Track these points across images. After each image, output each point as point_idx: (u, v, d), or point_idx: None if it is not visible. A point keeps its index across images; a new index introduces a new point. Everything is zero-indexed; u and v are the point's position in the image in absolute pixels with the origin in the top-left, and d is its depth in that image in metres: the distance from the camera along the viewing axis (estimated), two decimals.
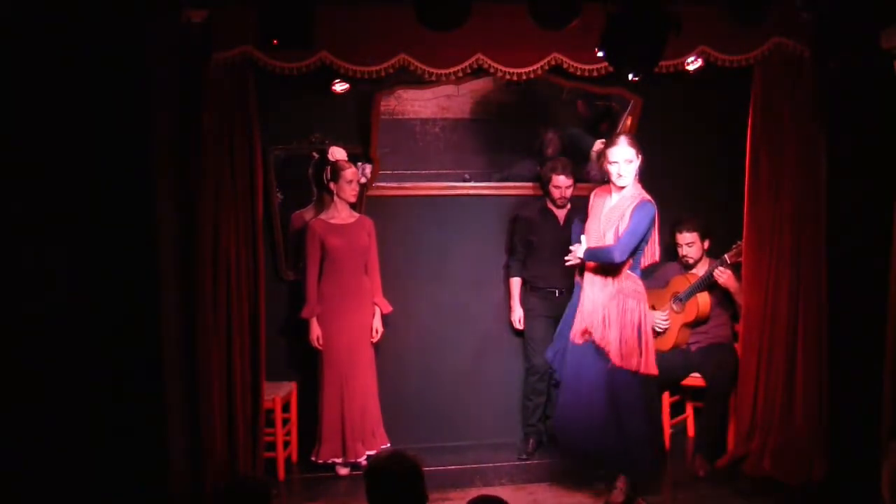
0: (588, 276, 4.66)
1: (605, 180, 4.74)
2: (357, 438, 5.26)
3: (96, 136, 4.31)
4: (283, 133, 5.47)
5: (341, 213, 5.27)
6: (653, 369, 4.63)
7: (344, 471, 5.30)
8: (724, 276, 5.30)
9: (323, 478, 5.27)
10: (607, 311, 4.56)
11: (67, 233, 4.31)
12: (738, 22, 4.62)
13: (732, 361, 5.33)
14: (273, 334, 5.30)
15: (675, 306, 5.44)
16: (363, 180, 5.42)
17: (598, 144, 5.05)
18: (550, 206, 5.57)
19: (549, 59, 4.72)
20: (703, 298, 5.39)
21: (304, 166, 5.59)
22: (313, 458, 5.29)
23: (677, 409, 5.73)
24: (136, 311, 4.42)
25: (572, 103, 6.23)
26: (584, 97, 6.09)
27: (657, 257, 4.84)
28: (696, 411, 5.67)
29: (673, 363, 5.42)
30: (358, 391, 5.27)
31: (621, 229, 4.53)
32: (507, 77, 4.79)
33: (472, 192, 5.85)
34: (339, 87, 5.16)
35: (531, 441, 5.61)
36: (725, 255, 5.29)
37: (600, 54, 4.43)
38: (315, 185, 5.57)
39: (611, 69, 4.56)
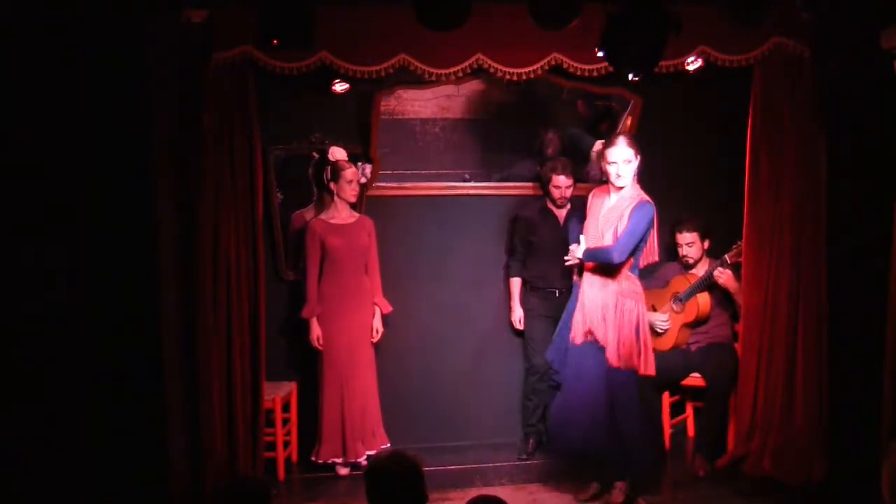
0: (587, 276, 4.66)
1: (604, 180, 4.74)
2: (357, 438, 5.26)
3: (96, 136, 4.31)
4: (283, 133, 5.47)
5: (341, 213, 5.27)
6: (651, 370, 4.63)
7: (344, 471, 5.30)
8: (723, 276, 5.30)
9: (323, 478, 5.27)
10: (606, 312, 4.57)
11: (67, 233, 4.31)
12: (738, 22, 4.63)
13: (732, 361, 5.33)
14: (273, 334, 5.30)
15: (675, 306, 5.44)
16: (363, 180, 5.42)
17: (598, 144, 5.05)
18: (550, 206, 5.57)
19: (549, 59, 4.73)
20: (704, 298, 5.39)
21: (304, 166, 5.59)
22: (313, 458, 5.29)
23: (677, 409, 5.73)
24: (136, 311, 4.42)
25: (572, 103, 6.23)
26: (584, 97, 6.09)
27: (657, 257, 4.84)
28: (696, 411, 5.67)
29: (673, 363, 5.42)
30: (358, 391, 5.27)
31: (620, 230, 4.53)
32: (507, 77, 4.79)
33: (472, 192, 5.86)
34: (339, 87, 5.16)
35: (531, 441, 5.61)
36: (725, 256, 5.29)
37: (600, 54, 4.43)
38: (315, 185, 5.57)
39: (611, 69, 4.56)
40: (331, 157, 5.27)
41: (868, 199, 4.87)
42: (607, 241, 4.56)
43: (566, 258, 4.75)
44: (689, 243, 5.44)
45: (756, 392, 5.13)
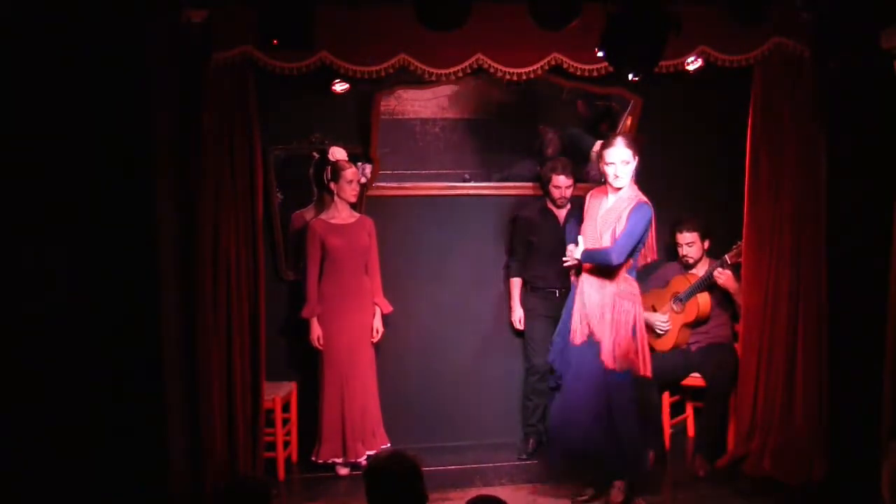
0: (585, 277, 4.65)
1: (603, 181, 4.74)
2: (357, 438, 5.26)
3: (96, 136, 4.31)
4: (283, 133, 5.47)
5: (342, 213, 5.27)
6: (648, 371, 4.64)
7: (344, 471, 5.30)
8: (723, 276, 5.30)
9: (323, 478, 5.27)
10: (603, 313, 4.57)
11: (67, 233, 4.31)
12: (738, 22, 4.63)
13: (732, 361, 5.33)
14: (273, 334, 5.30)
15: (675, 306, 5.44)
16: (363, 180, 5.42)
17: (598, 145, 5.04)
18: (550, 206, 5.57)
19: (549, 59, 4.72)
20: (704, 298, 5.39)
21: (304, 166, 5.59)
22: (313, 458, 5.29)
23: (677, 409, 5.73)
24: (136, 311, 4.42)
25: (572, 103, 6.22)
26: (584, 97, 6.09)
27: (655, 256, 4.83)
28: (696, 411, 5.67)
29: (673, 363, 5.42)
30: (358, 391, 5.27)
31: (618, 231, 4.53)
32: (507, 77, 4.78)
33: (472, 192, 5.86)
34: (339, 87, 5.16)
35: (531, 441, 5.62)
36: (726, 256, 5.29)
37: (600, 54, 4.44)
38: (315, 185, 5.57)
39: (611, 69, 4.56)
40: (331, 157, 5.27)
41: (868, 199, 4.87)
42: (605, 242, 4.56)
43: (564, 259, 4.74)
44: (690, 243, 5.44)
45: (756, 392, 5.13)
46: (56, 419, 4.23)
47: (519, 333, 5.75)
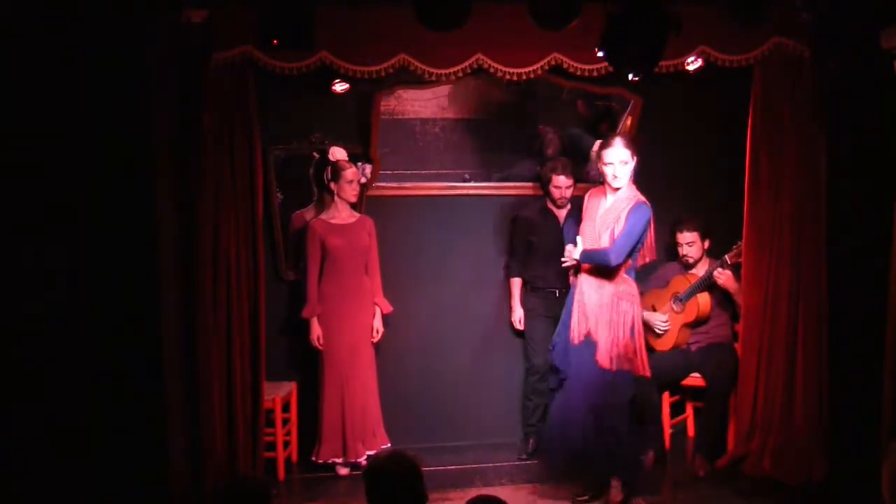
0: (584, 277, 4.65)
1: (601, 181, 4.74)
2: (357, 438, 5.26)
3: (96, 136, 4.31)
4: (283, 133, 5.47)
5: (342, 213, 5.27)
6: (646, 371, 4.64)
7: (344, 471, 5.30)
8: (723, 276, 5.31)
9: (323, 478, 5.27)
10: (601, 313, 4.57)
11: (67, 233, 4.31)
12: (738, 22, 4.63)
13: (732, 361, 5.33)
14: (273, 334, 5.30)
15: (675, 306, 5.44)
16: (363, 180, 5.42)
17: (598, 144, 5.04)
18: (550, 206, 5.57)
19: (549, 59, 4.72)
20: (704, 298, 5.39)
21: (304, 166, 5.59)
22: (313, 458, 5.29)
23: (677, 409, 5.73)
24: (136, 311, 4.42)
25: (572, 103, 6.23)
26: (584, 97, 6.09)
27: (654, 256, 4.83)
28: (696, 411, 5.67)
29: (673, 363, 5.42)
30: (358, 391, 5.27)
31: (617, 231, 4.53)
32: (507, 77, 4.78)
33: (472, 192, 5.85)
34: (339, 87, 5.16)
35: (531, 441, 5.61)
36: (726, 256, 5.29)
37: (600, 54, 4.43)
38: (316, 184, 5.57)
39: (611, 69, 4.56)
40: (331, 157, 5.27)
41: (868, 199, 4.87)
42: (604, 242, 4.56)
43: (563, 259, 4.75)
44: (690, 243, 5.44)
45: (756, 392, 5.13)
46: (56, 419, 4.22)
47: (519, 333, 5.75)
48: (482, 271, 5.80)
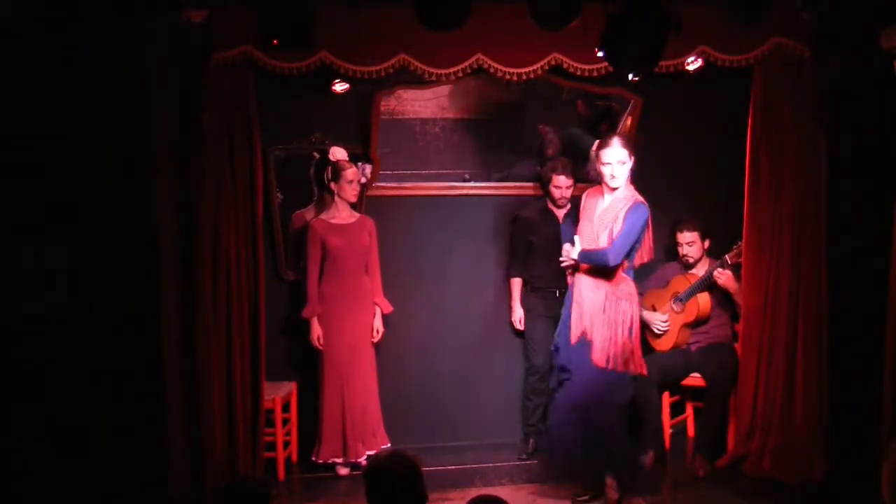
0: (582, 277, 4.65)
1: (599, 181, 4.74)
2: (357, 438, 5.26)
3: (96, 136, 4.31)
4: (283, 133, 5.47)
5: (342, 213, 5.27)
6: (642, 369, 4.65)
7: (344, 471, 5.30)
8: (723, 276, 5.31)
9: (323, 478, 5.27)
10: (599, 312, 4.56)
11: (67, 233, 4.30)
12: (738, 22, 4.63)
13: (732, 361, 5.33)
14: (273, 334, 5.30)
15: (675, 306, 5.44)
16: (363, 180, 5.42)
17: (596, 144, 5.04)
18: (551, 206, 5.57)
19: (549, 59, 4.73)
20: (704, 298, 5.40)
21: (304, 166, 5.59)
22: (313, 458, 5.29)
23: (677, 409, 5.73)
24: (136, 311, 4.42)
25: (572, 103, 6.23)
26: (584, 97, 6.09)
27: (652, 255, 4.82)
28: (696, 411, 5.67)
29: (673, 363, 5.43)
30: (358, 391, 5.27)
31: (615, 231, 4.53)
32: (507, 77, 4.78)
33: (472, 192, 5.85)
34: (339, 87, 5.16)
35: (531, 441, 5.61)
36: (726, 256, 5.29)
37: (600, 54, 4.43)
38: (316, 184, 5.57)
39: (611, 69, 4.56)
40: (332, 157, 5.27)
41: (868, 199, 4.87)
42: (602, 242, 4.56)
43: (561, 259, 4.75)
44: (690, 242, 5.44)
45: (756, 392, 5.13)
46: (56, 419, 4.22)
47: (519, 333, 5.75)
48: (482, 271, 5.80)
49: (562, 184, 5.46)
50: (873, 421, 4.68)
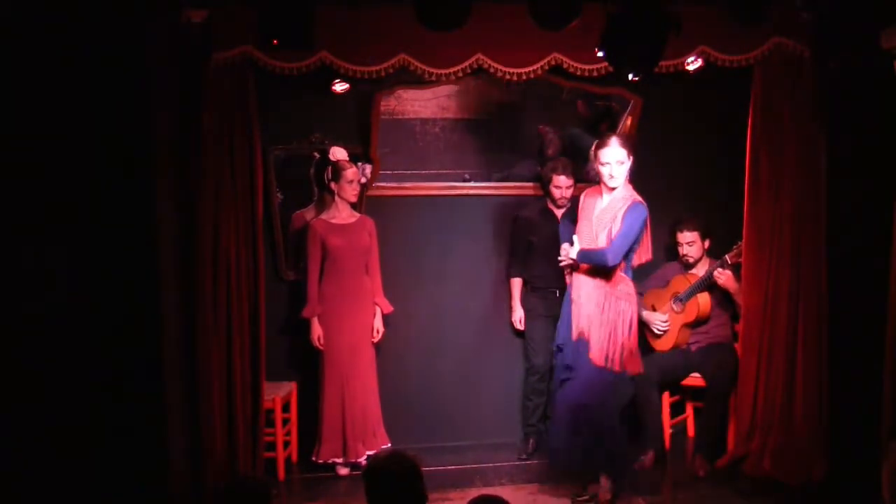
0: (581, 276, 4.65)
1: (597, 181, 4.73)
2: (358, 438, 5.26)
3: (96, 136, 4.31)
4: (283, 133, 5.47)
5: (342, 213, 5.27)
6: (639, 367, 4.65)
7: (344, 471, 5.30)
8: (723, 276, 5.31)
9: (323, 478, 5.26)
10: (598, 313, 4.56)
11: (67, 233, 4.30)
12: (738, 22, 4.63)
13: (732, 361, 5.33)
14: (273, 334, 5.30)
15: (675, 306, 5.44)
16: (364, 180, 5.42)
17: (595, 144, 5.05)
18: (551, 206, 5.56)
19: (549, 59, 4.72)
20: (704, 298, 5.39)
21: (304, 166, 5.58)
22: (313, 458, 5.29)
23: (677, 409, 5.73)
24: (136, 311, 4.42)
25: (572, 103, 6.23)
26: (584, 97, 6.09)
27: (650, 255, 4.83)
28: (696, 411, 5.67)
29: (673, 363, 5.43)
30: (359, 391, 5.27)
31: (614, 231, 4.53)
32: (507, 77, 4.78)
33: (472, 192, 5.85)
34: (339, 87, 5.16)
35: (531, 441, 5.61)
36: (726, 256, 5.29)
37: (600, 54, 4.43)
38: (316, 184, 5.57)
39: (611, 69, 4.56)
40: (332, 157, 5.27)
41: (868, 199, 4.87)
42: (601, 242, 4.56)
43: (560, 258, 4.75)
44: (690, 242, 5.44)
45: (756, 392, 5.12)
46: (56, 419, 4.22)
47: (519, 333, 5.75)
48: (482, 271, 5.80)
49: (562, 184, 5.46)
50: (873, 421, 4.68)
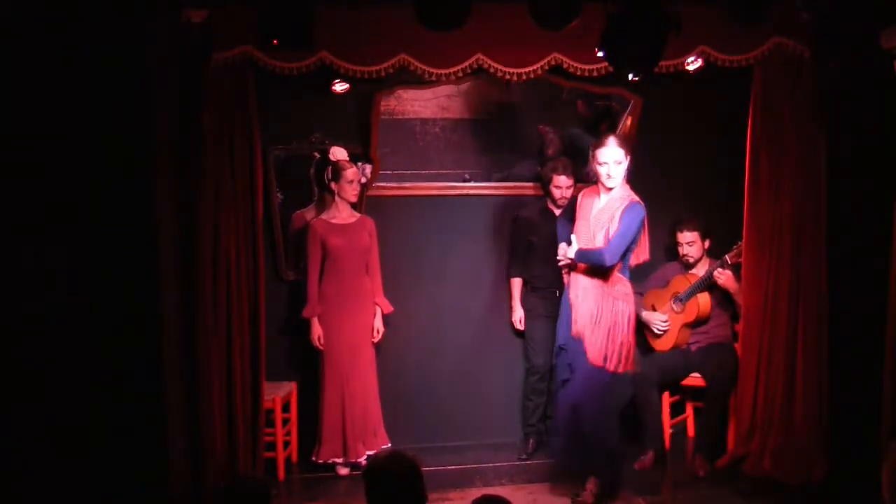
0: (578, 276, 4.65)
1: (594, 181, 4.73)
2: (358, 438, 5.26)
3: (96, 136, 4.31)
4: (283, 133, 5.47)
5: (342, 213, 5.27)
6: (631, 366, 4.66)
7: (344, 471, 5.30)
8: (723, 276, 5.31)
9: (323, 478, 5.26)
10: (596, 313, 4.57)
11: (67, 233, 4.31)
12: (738, 22, 4.63)
13: (732, 361, 5.33)
14: (273, 334, 5.30)
15: (675, 306, 5.44)
16: (364, 180, 5.42)
17: (593, 144, 5.05)
18: (551, 206, 5.56)
19: (549, 59, 4.73)
20: (704, 298, 5.40)
21: (304, 166, 5.58)
22: (314, 458, 5.29)
23: (677, 409, 5.73)
24: (136, 311, 4.42)
25: (572, 103, 6.24)
26: (584, 97, 6.09)
27: (647, 256, 4.83)
28: (696, 411, 5.67)
29: (673, 363, 5.43)
30: (359, 391, 5.27)
31: (611, 231, 4.53)
32: (507, 77, 4.78)
33: (472, 192, 5.85)
34: (339, 87, 5.16)
35: (531, 441, 5.61)
36: (726, 256, 5.29)
37: (600, 54, 4.43)
38: (316, 184, 5.57)
39: (611, 69, 4.56)
40: (332, 157, 5.27)
41: (868, 199, 4.87)
42: (599, 242, 4.56)
43: (558, 258, 4.75)
44: (690, 242, 5.44)
45: (756, 392, 5.13)
46: (56, 419, 4.23)
47: (519, 333, 5.75)
48: (482, 271, 5.80)
49: (562, 184, 5.46)
50: (873, 421, 4.68)
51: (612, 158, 4.54)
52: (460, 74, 4.79)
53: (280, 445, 5.25)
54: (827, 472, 4.98)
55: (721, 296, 5.43)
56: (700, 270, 5.45)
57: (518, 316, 5.69)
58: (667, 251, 5.67)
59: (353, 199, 5.28)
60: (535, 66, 4.75)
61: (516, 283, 5.70)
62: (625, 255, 4.59)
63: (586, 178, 5.70)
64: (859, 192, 4.93)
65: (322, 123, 5.51)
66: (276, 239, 5.57)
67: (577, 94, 6.02)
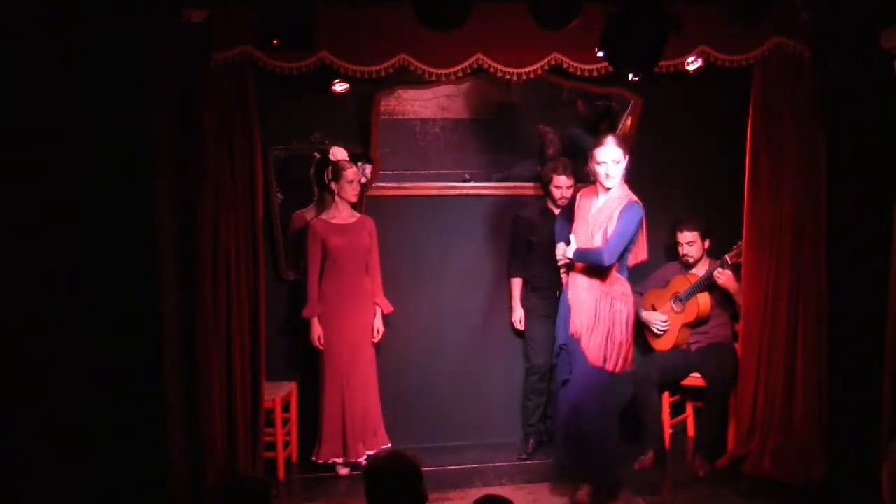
0: (576, 277, 4.65)
1: (592, 181, 4.74)
2: (358, 438, 5.26)
3: (96, 136, 4.31)
4: (283, 133, 5.47)
5: (342, 213, 5.27)
6: (628, 365, 4.65)
7: (344, 471, 5.30)
8: (723, 276, 5.31)
9: (323, 478, 5.26)
10: (594, 313, 4.56)
11: (67, 233, 4.30)
12: (738, 22, 4.63)
13: (732, 361, 5.33)
14: (273, 334, 5.30)
15: (675, 306, 5.44)
16: (364, 180, 5.42)
17: (591, 144, 5.05)
18: (551, 206, 5.56)
19: (549, 59, 4.73)
20: (704, 298, 5.40)
21: (304, 166, 5.59)
22: (314, 458, 5.29)
23: (677, 409, 5.73)
24: (136, 311, 4.42)
25: (572, 103, 6.24)
26: (584, 97, 6.09)
27: (646, 256, 4.83)
28: (696, 411, 5.67)
29: (673, 363, 5.43)
30: (359, 391, 5.27)
31: (609, 231, 4.53)
32: (507, 77, 4.79)
33: (472, 192, 5.85)
34: (339, 87, 5.16)
35: (531, 441, 5.61)
36: (726, 256, 5.29)
37: (600, 54, 4.43)
38: (316, 184, 5.57)
39: (611, 69, 4.56)
40: (332, 157, 5.27)
41: (868, 199, 4.87)
42: (597, 242, 4.55)
43: (557, 257, 4.75)
44: (690, 242, 5.44)
45: (756, 392, 5.12)
46: (56, 419, 4.22)
47: (519, 333, 5.75)
48: (482, 271, 5.80)
49: (562, 184, 5.46)
50: (873, 421, 4.68)
51: (610, 158, 4.54)
52: (460, 74, 4.79)
53: (280, 445, 5.25)
54: (827, 472, 4.98)
55: (721, 296, 5.43)
56: (700, 270, 5.45)
57: (518, 316, 5.69)
58: (667, 251, 5.67)
59: (353, 199, 5.28)
60: (535, 66, 4.75)
61: (516, 283, 5.70)
62: (623, 255, 4.59)
63: (586, 178, 5.72)
64: (859, 192, 4.93)
65: (322, 123, 5.51)
66: (276, 239, 5.57)
67: (577, 94, 6.02)
